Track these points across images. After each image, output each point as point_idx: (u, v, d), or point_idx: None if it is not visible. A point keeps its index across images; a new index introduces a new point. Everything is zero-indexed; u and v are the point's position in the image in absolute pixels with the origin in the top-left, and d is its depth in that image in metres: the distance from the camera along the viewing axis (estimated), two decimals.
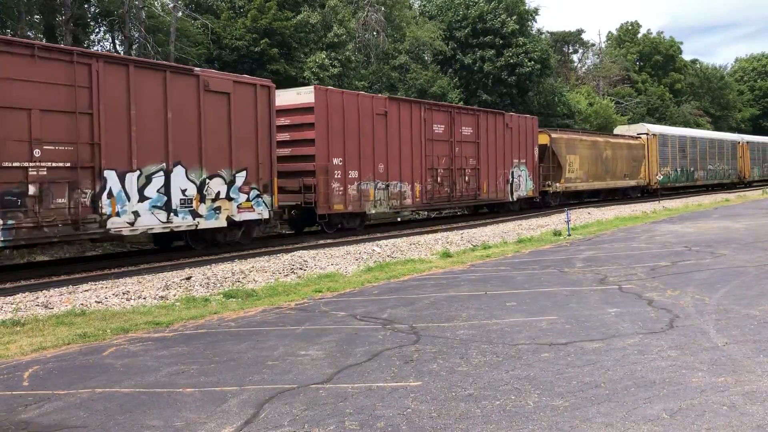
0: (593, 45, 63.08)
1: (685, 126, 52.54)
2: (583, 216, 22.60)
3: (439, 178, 20.07)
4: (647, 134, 34.90)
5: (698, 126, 56.90)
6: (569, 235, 16.16)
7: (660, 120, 53.50)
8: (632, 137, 34.26)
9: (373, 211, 17.94)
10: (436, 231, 18.34)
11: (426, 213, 24.23)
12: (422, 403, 4.59)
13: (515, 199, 23.82)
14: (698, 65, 71.79)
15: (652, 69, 65.03)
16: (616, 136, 34.08)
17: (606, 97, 53.68)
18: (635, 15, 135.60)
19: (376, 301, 8.36)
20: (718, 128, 60.92)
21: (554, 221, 20.68)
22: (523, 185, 24.29)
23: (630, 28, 69.20)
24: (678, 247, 13.00)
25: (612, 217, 21.54)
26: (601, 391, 4.73)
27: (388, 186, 18.14)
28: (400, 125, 18.58)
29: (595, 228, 18.12)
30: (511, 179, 23.53)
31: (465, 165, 21.17)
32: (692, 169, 39.55)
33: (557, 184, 27.12)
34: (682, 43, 68.56)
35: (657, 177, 35.02)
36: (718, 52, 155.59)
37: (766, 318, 6.84)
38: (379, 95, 19.17)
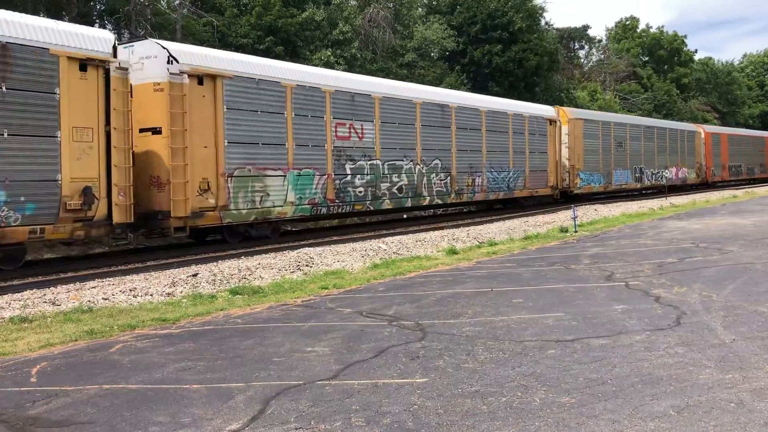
0: (600, 41, 62.90)
1: (693, 121, 51.59)
2: (589, 213, 22.54)
3: None
4: None
5: (706, 122, 56.32)
6: (576, 231, 16.12)
7: (667, 116, 53.07)
8: None
9: None
10: (441, 228, 18.33)
11: None
12: (428, 399, 4.59)
13: None
14: (707, 62, 71.40)
15: (657, 64, 64.78)
16: None
17: (611, 93, 53.47)
18: (642, 10, 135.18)
19: (382, 298, 8.37)
20: (725, 125, 60.40)
21: (561, 218, 20.64)
22: None
23: (628, 23, 69.00)
24: (685, 244, 12.94)
25: (619, 214, 21.48)
26: (607, 388, 4.71)
27: None
28: None
29: (602, 225, 18.07)
30: None
31: None
32: None
33: None
34: (686, 36, 68.34)
35: None
36: (726, 48, 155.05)
37: None
38: None
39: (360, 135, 17.09)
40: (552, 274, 9.90)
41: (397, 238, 15.83)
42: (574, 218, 16.91)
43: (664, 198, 30.41)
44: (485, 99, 23.53)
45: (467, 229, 18.01)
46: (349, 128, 16.76)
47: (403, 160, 18.46)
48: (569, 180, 26.84)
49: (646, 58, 66.02)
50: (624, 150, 30.82)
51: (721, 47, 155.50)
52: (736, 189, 37.92)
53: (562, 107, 28.15)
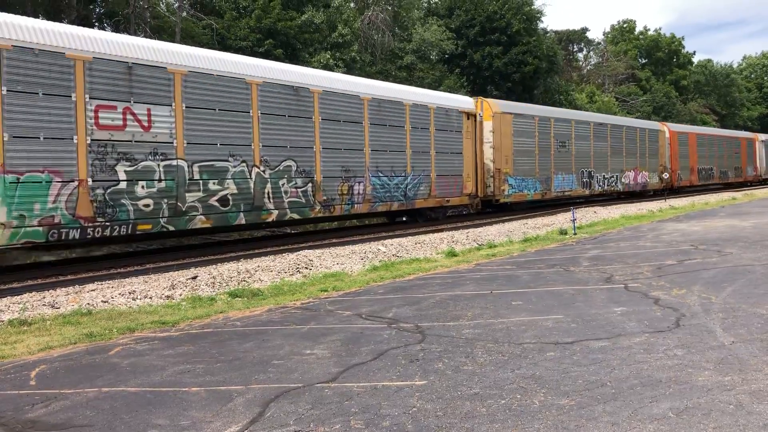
0: (599, 43, 63.06)
1: (692, 123, 51.49)
2: (588, 215, 22.56)
3: None
4: None
5: (705, 125, 56.32)
6: (575, 233, 16.13)
7: (666, 118, 53.11)
8: None
9: None
10: (441, 230, 18.33)
11: None
12: (428, 402, 4.59)
13: None
14: (706, 64, 71.59)
15: (655, 66, 64.98)
16: None
17: (609, 95, 53.53)
18: (641, 12, 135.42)
19: (382, 301, 8.37)
20: (724, 127, 60.44)
21: (560, 220, 20.65)
22: None
23: (625, 26, 69.26)
24: (684, 246, 12.95)
25: (618, 216, 21.49)
26: (606, 390, 4.72)
27: None
28: None
29: (602, 227, 18.08)
30: None
31: None
32: None
33: None
34: (683, 38, 68.61)
35: None
36: (726, 50, 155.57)
37: None
38: None
39: (146, 124, 11.96)
40: (551, 276, 9.90)
41: (397, 240, 15.83)
42: (573, 220, 16.93)
43: (664, 200, 30.44)
44: (371, 84, 18.22)
45: (466, 231, 18.01)
46: (125, 113, 11.66)
47: (228, 160, 13.32)
48: (494, 186, 22.18)
49: (644, 61, 66.20)
50: (568, 151, 26.25)
51: (721, 49, 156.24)
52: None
53: (486, 99, 23.23)
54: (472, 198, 21.44)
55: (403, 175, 18.27)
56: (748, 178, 46.00)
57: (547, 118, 25.24)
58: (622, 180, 30.61)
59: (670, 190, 35.45)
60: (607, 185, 29.38)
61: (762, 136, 48.85)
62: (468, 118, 20.99)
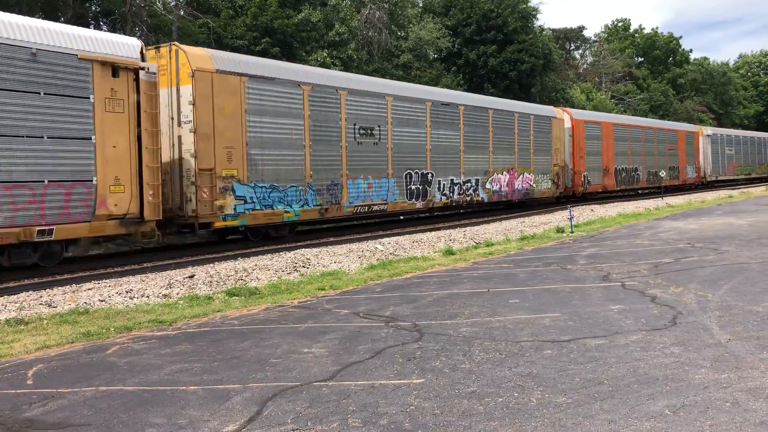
0: (596, 42, 63.12)
1: (689, 122, 51.34)
2: (585, 213, 22.59)
3: None
4: None
5: (701, 123, 56.37)
6: (572, 232, 16.15)
7: (663, 117, 53.11)
8: None
9: None
10: (438, 229, 18.33)
11: None
12: (425, 400, 4.59)
13: None
14: (703, 62, 71.68)
15: (652, 65, 65.09)
16: None
17: (605, 94, 53.51)
18: (638, 11, 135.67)
19: (379, 299, 8.37)
20: (721, 125, 60.50)
21: (557, 218, 20.68)
22: None
23: (620, 25, 69.41)
24: (681, 244, 12.98)
25: (615, 214, 21.53)
26: (603, 388, 4.73)
27: None
28: None
29: (598, 225, 18.11)
30: None
31: None
32: None
33: None
34: (681, 37, 68.70)
35: None
36: (722, 48, 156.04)
37: None
38: None
39: None
40: (548, 274, 9.91)
41: (394, 239, 15.83)
42: (571, 219, 16.95)
43: (661, 198, 30.48)
44: None
45: (464, 229, 18.02)
46: None
47: None
48: (197, 201, 12.97)
49: (641, 59, 66.32)
50: (379, 142, 17.43)
51: (718, 48, 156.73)
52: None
53: (183, 46, 13.58)
54: (131, 223, 11.75)
55: None
56: (688, 181, 37.70)
57: (331, 87, 16.02)
58: (487, 186, 21.97)
59: (573, 198, 27.81)
60: (459, 193, 20.62)
61: (707, 130, 41.07)
62: (116, 74, 11.45)
